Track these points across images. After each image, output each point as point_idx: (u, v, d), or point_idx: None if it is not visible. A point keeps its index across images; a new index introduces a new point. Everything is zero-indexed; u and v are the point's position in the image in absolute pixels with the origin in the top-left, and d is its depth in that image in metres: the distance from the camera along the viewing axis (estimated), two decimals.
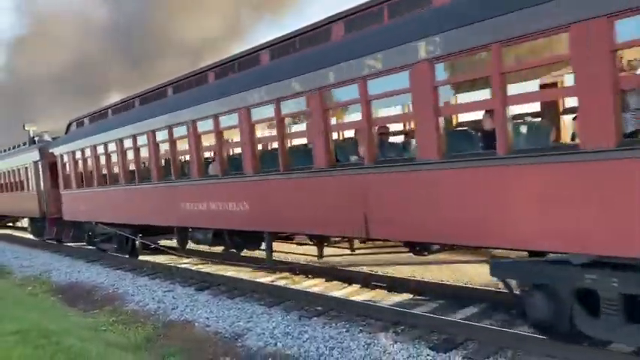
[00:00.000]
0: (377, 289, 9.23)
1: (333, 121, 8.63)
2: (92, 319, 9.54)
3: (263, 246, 10.12)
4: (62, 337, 6.87)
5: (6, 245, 22.08)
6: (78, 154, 15.64)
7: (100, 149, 14.23)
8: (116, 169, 13.83)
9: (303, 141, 10.45)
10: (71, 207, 16.83)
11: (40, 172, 19.11)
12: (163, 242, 13.68)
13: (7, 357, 5.72)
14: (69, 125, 17.50)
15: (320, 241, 9.39)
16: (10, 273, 15.51)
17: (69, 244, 18.57)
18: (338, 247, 9.70)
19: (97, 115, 15.75)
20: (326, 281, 10.13)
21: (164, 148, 11.82)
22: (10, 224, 29.07)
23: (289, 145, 10.15)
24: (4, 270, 15.82)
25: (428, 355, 6.17)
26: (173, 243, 13.12)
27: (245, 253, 12.03)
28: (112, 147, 13.59)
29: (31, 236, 22.58)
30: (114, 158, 13.76)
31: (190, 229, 11.63)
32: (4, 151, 25.06)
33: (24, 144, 22.06)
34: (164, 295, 10.39)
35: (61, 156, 16.94)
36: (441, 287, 8.82)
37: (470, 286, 8.75)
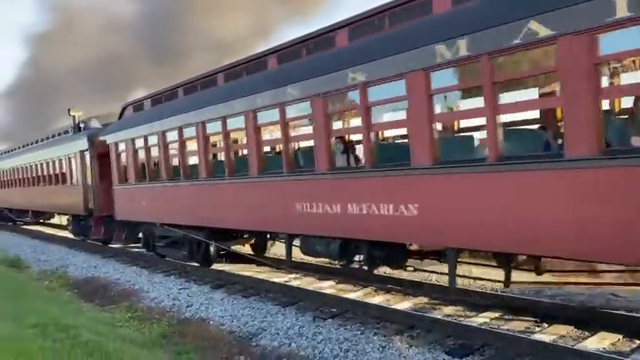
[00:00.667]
0: (392, 292, 9.18)
1: None
2: (108, 315, 9.63)
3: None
4: (80, 332, 6.94)
5: (23, 239, 22.40)
6: (139, 143, 13.19)
7: (172, 136, 11.86)
8: (194, 160, 11.62)
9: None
10: (127, 204, 14.41)
11: (88, 163, 16.55)
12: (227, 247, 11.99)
13: (28, 350, 5.79)
14: (123, 110, 15.19)
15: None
16: (27, 267, 15.73)
17: (113, 244, 16.91)
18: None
19: (163, 95, 13.29)
20: (339, 283, 10.10)
21: (270, 132, 9.91)
22: (42, 221, 27.36)
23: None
24: (22, 264, 16.03)
25: (444, 359, 6.12)
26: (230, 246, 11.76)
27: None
28: (189, 132, 11.22)
29: (69, 234, 20.48)
30: (191, 146, 11.51)
31: (298, 236, 9.35)
32: (41, 140, 22.87)
33: (65, 132, 19.85)
34: (179, 293, 10.45)
35: (116, 145, 14.42)
36: (457, 291, 8.74)
37: (486, 291, 8.66)
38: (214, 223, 10.91)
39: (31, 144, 24.36)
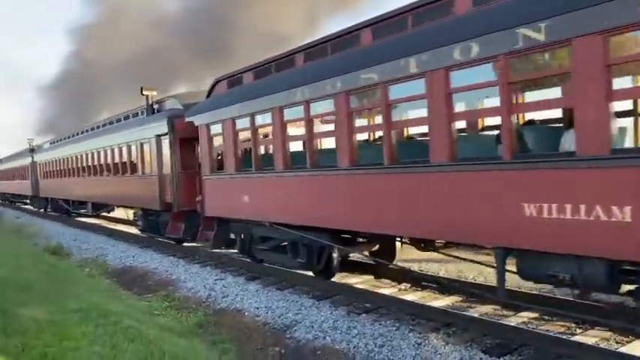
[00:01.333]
0: (427, 289, 9.10)
1: None
2: (146, 303, 9.87)
3: None
4: (120, 318, 7.14)
5: (65, 228, 23.13)
6: (242, 123, 10.65)
7: (292, 113, 9.26)
8: (330, 144, 9.37)
9: None
10: (221, 198, 11.80)
11: (166, 150, 14.14)
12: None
13: (72, 333, 6.00)
14: (214, 85, 12.43)
15: None
16: (69, 255, 16.26)
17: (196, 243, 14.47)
18: None
19: (274, 64, 10.36)
20: (375, 279, 10.07)
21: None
22: (101, 213, 24.98)
23: None
24: (63, 252, 16.58)
25: (481, 358, 6.04)
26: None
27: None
28: (322, 107, 8.63)
29: (134, 230, 18.46)
30: (326, 126, 9.56)
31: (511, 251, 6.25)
32: (103, 126, 20.73)
33: (134, 115, 17.35)
34: (215, 283, 10.61)
35: (208, 127, 11.84)
36: (490, 290, 8.59)
37: (525, 290, 8.48)
38: (352, 226, 8.42)
39: (91, 130, 22.41)
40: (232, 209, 11.32)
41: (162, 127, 14.17)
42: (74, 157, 23.28)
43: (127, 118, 18.27)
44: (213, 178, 12.05)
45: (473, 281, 9.31)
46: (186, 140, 13.69)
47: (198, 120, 12.23)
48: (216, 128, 11.70)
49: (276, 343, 7.38)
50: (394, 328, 7.21)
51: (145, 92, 15.83)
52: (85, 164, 21.83)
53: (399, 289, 9.28)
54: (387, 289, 9.35)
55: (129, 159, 16.80)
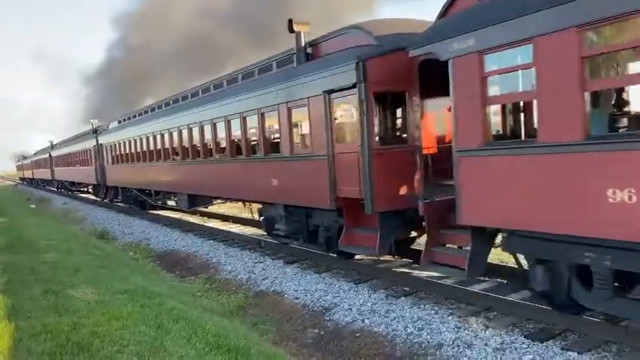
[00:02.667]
0: None
1: None
2: (188, 285, 10.15)
3: None
4: (165, 299, 7.36)
5: (109, 213, 23.91)
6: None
7: None
8: None
9: None
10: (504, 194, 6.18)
11: (352, 113, 8.70)
12: None
13: (119, 313, 6.23)
14: None
15: None
16: (114, 239, 16.83)
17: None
18: None
19: None
20: (414, 262, 10.02)
21: None
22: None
23: None
24: (109, 236, 17.17)
25: (523, 343, 5.95)
26: None
27: None
28: None
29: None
30: None
31: None
32: (217, 88, 14.30)
33: (272, 66, 11.51)
34: (254, 266, 10.79)
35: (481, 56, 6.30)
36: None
37: None
38: None
39: (190, 97, 16.16)
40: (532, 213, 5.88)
41: (343, 76, 8.46)
42: (159, 136, 17.92)
43: (257, 72, 12.14)
44: (504, 153, 6.24)
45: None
46: (387, 96, 8.62)
47: (460, 48, 6.49)
48: (494, 61, 6.26)
49: (315, 325, 7.47)
50: (433, 312, 7.18)
51: (296, 27, 10.30)
52: (177, 144, 16.33)
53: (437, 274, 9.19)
54: (426, 272, 9.28)
55: (261, 133, 11.35)
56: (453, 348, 6.08)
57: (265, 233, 12.45)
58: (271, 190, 11.04)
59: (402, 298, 7.91)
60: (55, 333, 5.47)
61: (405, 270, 9.44)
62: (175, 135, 16.42)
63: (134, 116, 22.30)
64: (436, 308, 7.32)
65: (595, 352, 5.58)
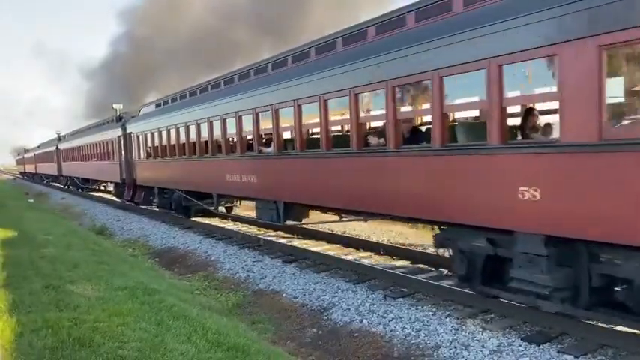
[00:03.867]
0: None
1: None
2: (187, 283, 10.18)
3: None
4: (164, 296, 7.39)
5: (108, 209, 23.92)
6: None
7: None
8: None
9: None
10: None
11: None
12: None
13: (119, 310, 6.26)
14: None
15: None
16: (113, 235, 16.85)
17: None
18: None
19: None
20: (411, 264, 10.07)
21: None
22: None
23: None
24: (108, 232, 17.19)
25: (520, 345, 6.01)
26: None
27: None
28: None
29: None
30: None
31: None
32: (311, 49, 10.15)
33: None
34: (253, 265, 10.83)
35: None
36: None
37: None
38: None
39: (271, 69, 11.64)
40: None
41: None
42: (230, 120, 12.72)
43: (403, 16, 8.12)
44: None
45: None
46: None
47: None
48: None
49: (314, 324, 7.52)
50: (431, 313, 7.24)
51: None
52: (263, 131, 11.64)
53: (436, 275, 9.24)
54: (424, 273, 9.34)
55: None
56: (450, 349, 6.13)
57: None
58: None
59: (400, 298, 7.96)
60: (56, 328, 5.49)
61: (404, 271, 9.49)
62: (262, 116, 11.46)
63: (183, 96, 17.05)
64: (434, 309, 7.38)
65: (591, 356, 5.63)
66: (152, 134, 18.45)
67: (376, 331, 6.90)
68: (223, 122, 13.06)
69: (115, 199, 26.41)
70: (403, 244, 11.64)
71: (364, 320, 7.30)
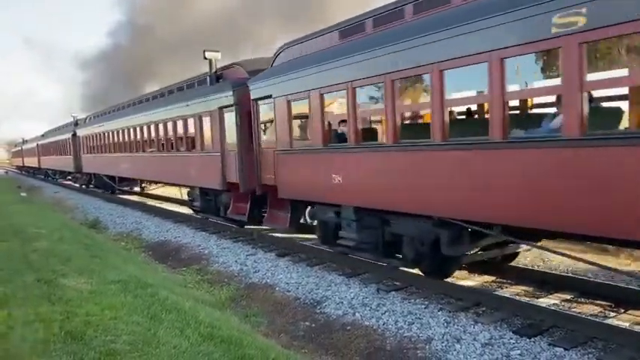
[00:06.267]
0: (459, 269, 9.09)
1: None
2: (180, 276, 10.17)
3: None
4: (157, 290, 7.38)
5: (102, 203, 23.81)
6: None
7: None
8: None
9: None
10: None
11: None
12: None
13: (112, 303, 6.26)
14: None
15: None
16: (106, 228, 16.79)
17: None
18: None
19: None
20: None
21: None
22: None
23: None
24: (101, 225, 17.13)
25: (511, 338, 6.05)
26: None
27: None
28: None
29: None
30: None
31: None
32: None
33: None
34: (246, 259, 10.84)
35: None
36: (524, 272, 8.56)
37: (557, 272, 8.42)
38: None
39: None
40: None
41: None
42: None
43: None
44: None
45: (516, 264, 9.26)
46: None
47: None
48: None
49: (307, 317, 7.54)
50: (423, 307, 7.27)
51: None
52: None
53: None
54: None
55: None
56: (443, 342, 6.17)
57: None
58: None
59: (393, 292, 8.00)
60: (48, 322, 5.48)
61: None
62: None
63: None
64: (426, 303, 7.42)
65: (581, 348, 5.68)
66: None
67: (369, 325, 6.93)
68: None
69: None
70: None
71: (357, 314, 7.33)
